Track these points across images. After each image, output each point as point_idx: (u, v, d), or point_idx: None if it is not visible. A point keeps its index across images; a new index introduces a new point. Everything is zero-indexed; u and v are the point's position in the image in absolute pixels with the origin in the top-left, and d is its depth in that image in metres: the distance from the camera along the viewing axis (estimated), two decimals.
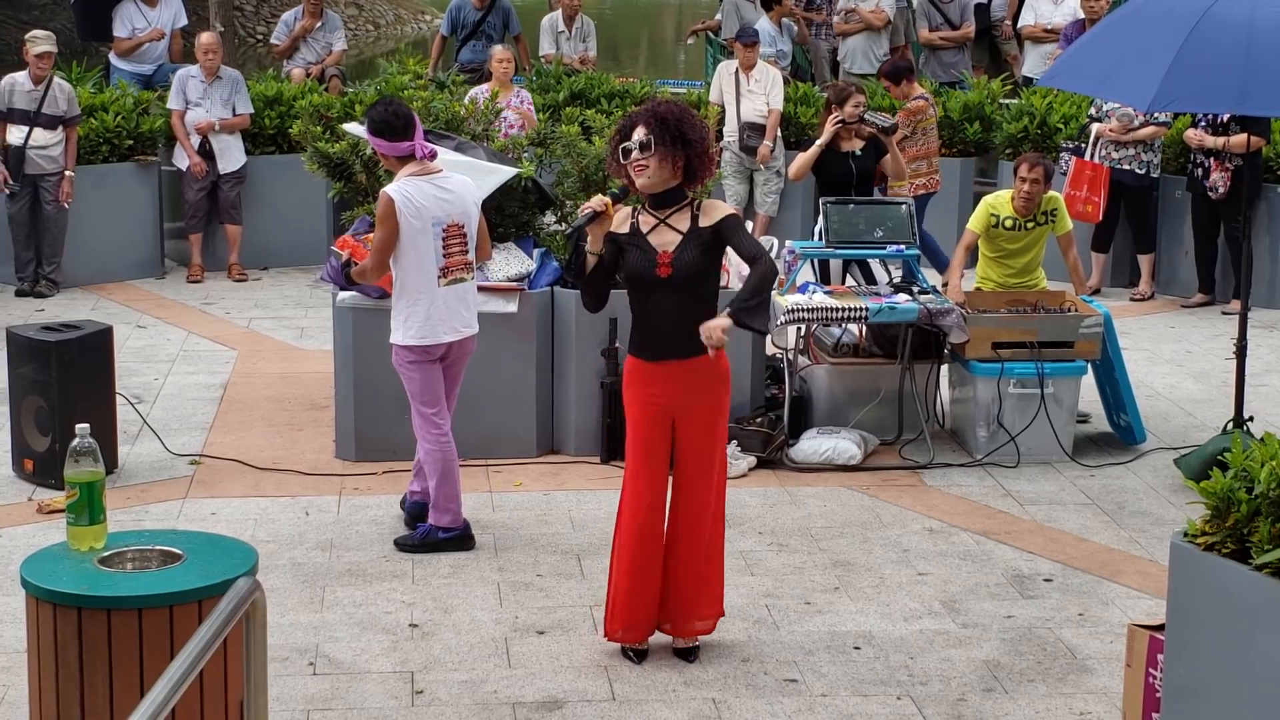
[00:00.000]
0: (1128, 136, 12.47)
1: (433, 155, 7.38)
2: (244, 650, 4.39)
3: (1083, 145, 12.61)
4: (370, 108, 7.51)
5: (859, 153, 10.16)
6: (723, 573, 6.60)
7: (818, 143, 10.07)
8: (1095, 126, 12.57)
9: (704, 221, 6.26)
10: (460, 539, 7.59)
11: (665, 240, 6.26)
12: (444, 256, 7.36)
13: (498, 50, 13.16)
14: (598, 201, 6.27)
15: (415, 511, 7.79)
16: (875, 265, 10.09)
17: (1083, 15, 13.94)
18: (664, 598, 6.49)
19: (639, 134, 6.17)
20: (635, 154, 6.17)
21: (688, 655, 6.48)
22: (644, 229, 6.29)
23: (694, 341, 6.23)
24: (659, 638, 6.55)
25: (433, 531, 7.59)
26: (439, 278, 7.35)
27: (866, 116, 10.09)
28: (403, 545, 7.60)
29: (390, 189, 7.31)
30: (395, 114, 7.32)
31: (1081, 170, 12.39)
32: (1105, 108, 12.57)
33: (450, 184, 7.44)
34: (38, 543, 7.05)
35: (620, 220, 6.35)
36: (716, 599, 6.58)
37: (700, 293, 6.28)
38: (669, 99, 6.37)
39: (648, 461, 6.36)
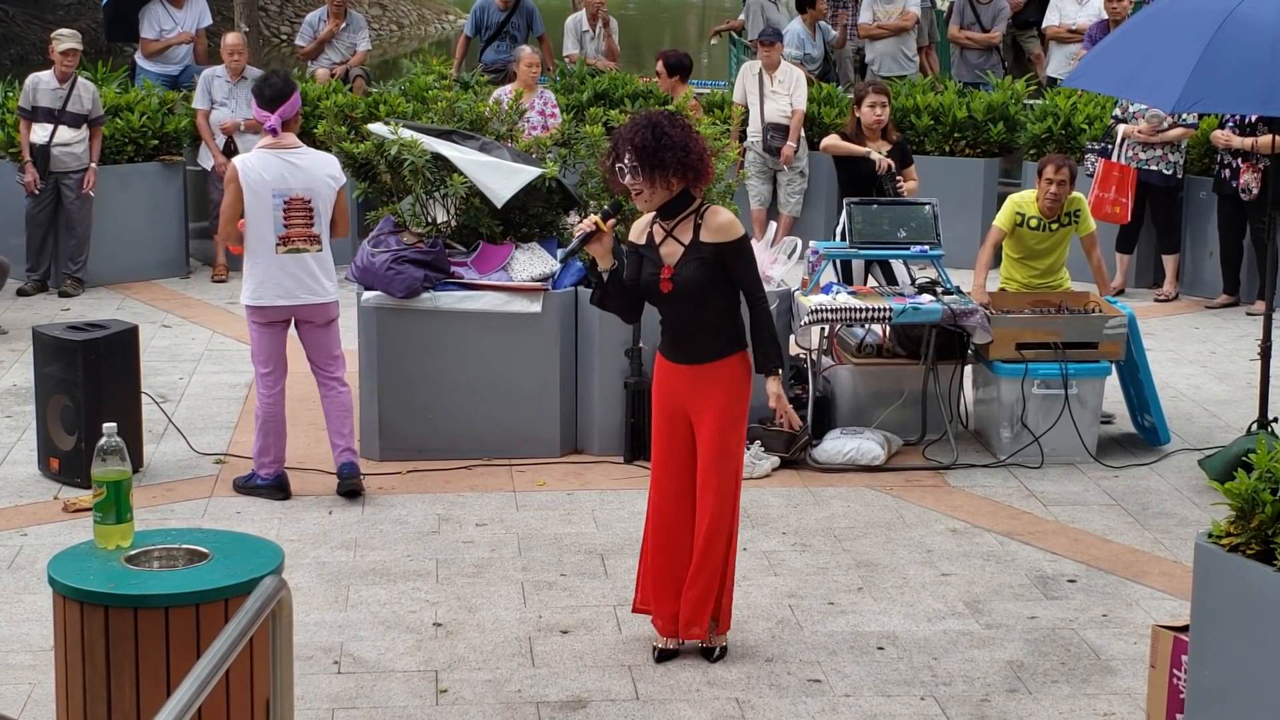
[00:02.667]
0: (1156, 138, 12.44)
1: (273, 132, 7.95)
2: (270, 649, 4.41)
3: (1109, 146, 12.58)
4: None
5: (883, 153, 10.14)
6: (715, 587, 6.43)
7: (858, 149, 9.99)
8: (1122, 128, 12.53)
9: (705, 235, 6.22)
10: (273, 488, 8.21)
11: (670, 252, 6.26)
12: (284, 226, 7.93)
13: (526, 53, 13.13)
14: (588, 223, 6.27)
15: (350, 471, 8.24)
16: (897, 265, 10.08)
17: (1106, 16, 13.91)
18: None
19: (625, 160, 6.18)
20: (628, 178, 6.20)
21: (708, 654, 6.49)
22: (656, 239, 6.30)
23: (706, 348, 6.28)
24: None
25: (253, 477, 8.27)
26: (276, 245, 7.92)
27: (889, 177, 9.96)
28: (236, 485, 8.33)
29: (236, 157, 8.15)
30: (266, 83, 8.12)
31: (1109, 172, 12.35)
32: (1132, 109, 12.54)
33: (301, 159, 8.01)
34: (63, 541, 7.08)
35: (640, 230, 6.37)
36: (704, 610, 6.42)
37: (706, 304, 6.26)
38: (651, 116, 6.22)
39: (662, 455, 6.43)
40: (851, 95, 10.54)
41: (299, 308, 8.05)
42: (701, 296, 6.23)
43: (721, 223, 6.24)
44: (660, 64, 12.42)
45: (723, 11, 35.96)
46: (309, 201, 7.96)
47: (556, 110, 12.83)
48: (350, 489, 8.18)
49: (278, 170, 7.92)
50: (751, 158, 13.58)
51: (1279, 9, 7.76)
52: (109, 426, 4.90)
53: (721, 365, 6.30)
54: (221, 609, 4.64)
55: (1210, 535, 4.94)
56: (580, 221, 6.37)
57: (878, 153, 9.98)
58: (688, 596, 6.43)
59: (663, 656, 6.48)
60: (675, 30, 42.51)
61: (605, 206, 6.49)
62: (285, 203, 7.92)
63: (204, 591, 4.67)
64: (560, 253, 8.71)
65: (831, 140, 10.30)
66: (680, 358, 6.34)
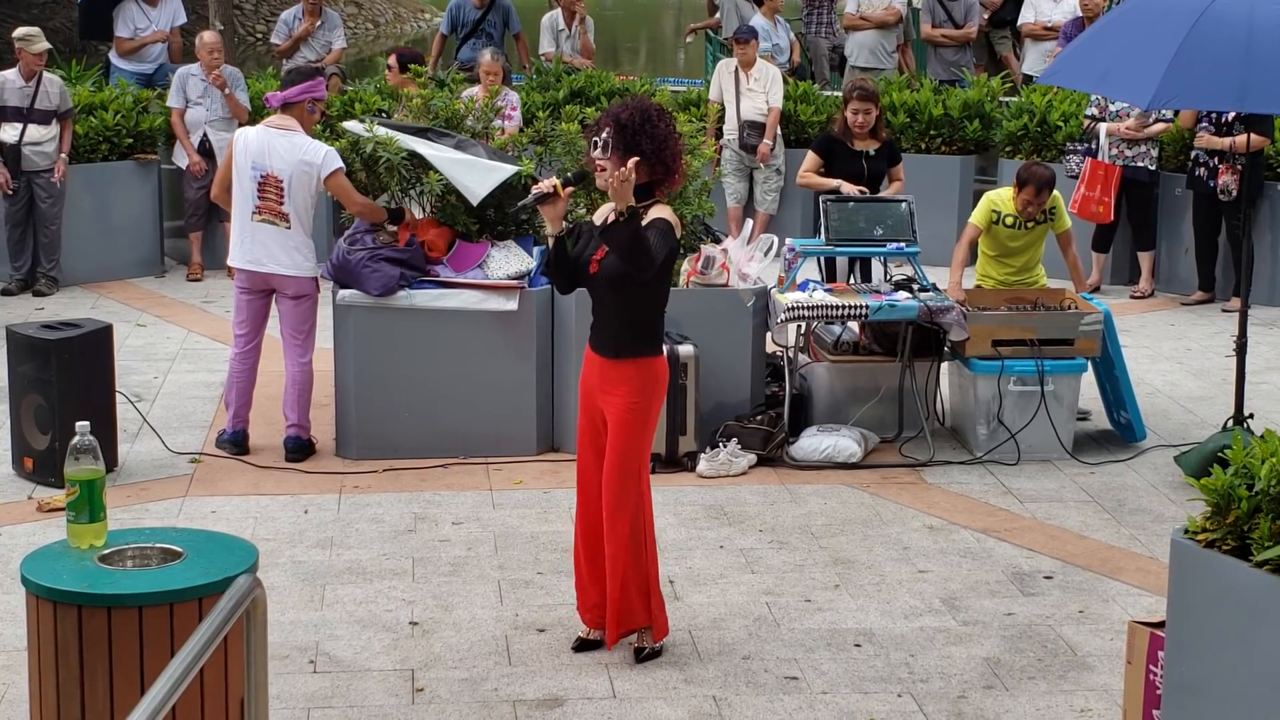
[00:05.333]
0: (1144, 134, 12.45)
1: (272, 107, 8.61)
2: (244, 648, 4.40)
3: (1093, 146, 12.58)
4: None
5: (872, 153, 10.16)
6: (628, 588, 6.35)
7: (829, 183, 10.01)
8: (1104, 126, 12.53)
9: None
10: (230, 441, 8.82)
11: None
12: (258, 198, 8.51)
13: (486, 61, 12.88)
14: (547, 184, 6.28)
15: (291, 445, 8.75)
16: (874, 263, 10.09)
17: (1081, 13, 13.93)
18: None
19: (603, 134, 6.19)
20: (596, 153, 6.20)
21: (638, 655, 6.44)
22: (609, 223, 6.30)
23: (617, 342, 6.29)
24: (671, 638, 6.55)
25: (222, 433, 8.91)
26: (252, 213, 8.54)
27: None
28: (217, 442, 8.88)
29: (241, 127, 9.01)
30: (291, 68, 9.12)
31: (1095, 170, 12.36)
32: (1115, 106, 12.54)
33: (285, 142, 8.49)
34: (37, 541, 7.04)
35: (604, 211, 6.38)
36: (618, 610, 6.39)
37: (624, 294, 6.24)
38: (644, 102, 6.27)
39: (584, 443, 6.44)
40: (830, 93, 10.56)
41: (270, 276, 8.58)
42: (620, 286, 6.23)
43: (656, 215, 6.21)
44: (393, 59, 12.41)
45: (698, 10, 35.95)
46: (281, 182, 8.47)
47: (516, 112, 12.65)
48: (293, 460, 8.70)
49: (263, 147, 8.49)
50: (728, 155, 13.59)
51: (1253, 6, 7.77)
52: (82, 425, 4.87)
53: (628, 364, 6.29)
54: (195, 608, 4.62)
55: (1186, 531, 4.95)
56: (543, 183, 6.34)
57: (863, 154, 10.02)
58: (609, 597, 6.42)
59: (581, 646, 6.49)
60: (652, 28, 42.48)
61: (569, 174, 6.49)
62: (262, 177, 8.48)
63: (178, 591, 4.64)
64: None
65: (804, 180, 10.33)
66: (597, 348, 6.37)
